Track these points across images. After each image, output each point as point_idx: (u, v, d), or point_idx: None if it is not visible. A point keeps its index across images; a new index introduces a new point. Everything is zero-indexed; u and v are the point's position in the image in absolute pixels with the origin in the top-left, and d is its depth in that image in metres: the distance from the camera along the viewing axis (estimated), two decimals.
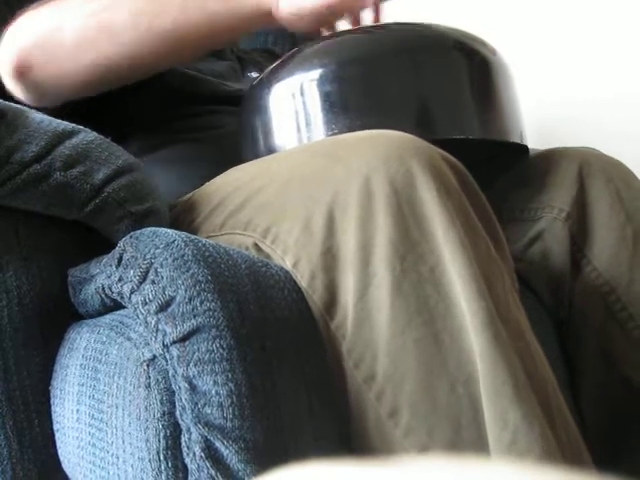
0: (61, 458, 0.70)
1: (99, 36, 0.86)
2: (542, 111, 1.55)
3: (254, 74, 1.19)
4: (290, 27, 0.88)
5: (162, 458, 0.52)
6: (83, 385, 0.64)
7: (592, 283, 0.82)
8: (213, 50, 1.04)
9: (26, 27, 0.88)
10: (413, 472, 0.24)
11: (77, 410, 0.65)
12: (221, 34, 0.90)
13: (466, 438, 0.53)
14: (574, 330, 0.83)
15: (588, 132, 1.54)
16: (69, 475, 0.70)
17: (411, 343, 0.54)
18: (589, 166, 0.84)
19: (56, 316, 0.72)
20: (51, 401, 0.71)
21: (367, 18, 0.92)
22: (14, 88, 0.89)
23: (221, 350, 0.50)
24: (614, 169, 0.85)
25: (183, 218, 0.78)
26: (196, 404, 0.50)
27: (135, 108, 1.02)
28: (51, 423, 0.71)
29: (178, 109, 1.05)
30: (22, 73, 0.87)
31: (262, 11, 0.86)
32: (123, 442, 0.57)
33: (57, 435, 0.70)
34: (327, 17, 0.85)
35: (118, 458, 0.58)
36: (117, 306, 0.65)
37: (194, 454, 0.50)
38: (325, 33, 0.93)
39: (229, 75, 1.15)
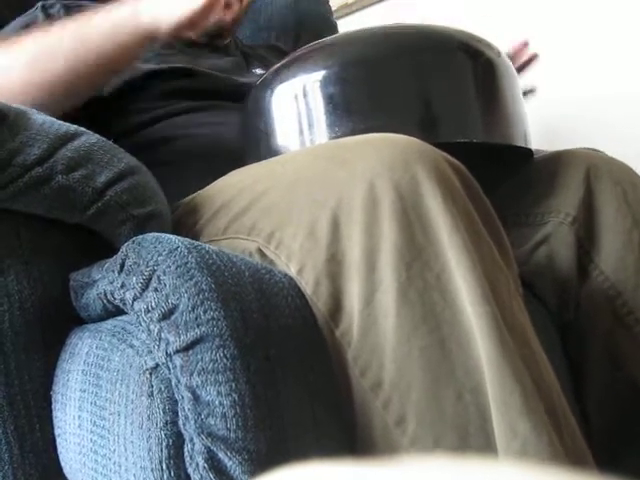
0: (62, 463, 0.70)
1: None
2: (546, 110, 1.55)
3: (259, 70, 1.19)
4: (176, 38, 0.95)
5: (165, 468, 0.52)
6: (85, 391, 0.64)
7: (599, 287, 0.81)
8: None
9: None
10: (413, 472, 0.24)
11: (79, 416, 0.64)
12: (111, 68, 0.95)
13: (473, 447, 0.53)
14: (580, 334, 0.83)
15: (592, 132, 1.54)
16: None
17: (417, 350, 0.53)
18: (596, 169, 0.84)
19: (57, 320, 0.72)
20: (52, 406, 0.70)
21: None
22: None
23: (225, 360, 0.50)
24: (621, 172, 0.84)
25: (185, 220, 0.78)
26: (199, 414, 0.50)
27: (134, 106, 1.02)
28: (52, 428, 0.70)
29: (179, 105, 1.05)
30: None
31: (142, 35, 0.91)
32: (125, 450, 0.56)
33: (58, 440, 0.70)
34: (201, 19, 0.89)
35: (120, 466, 0.57)
36: (119, 311, 0.64)
37: (197, 464, 0.50)
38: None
39: (234, 71, 1.15)
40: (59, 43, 0.91)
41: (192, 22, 0.88)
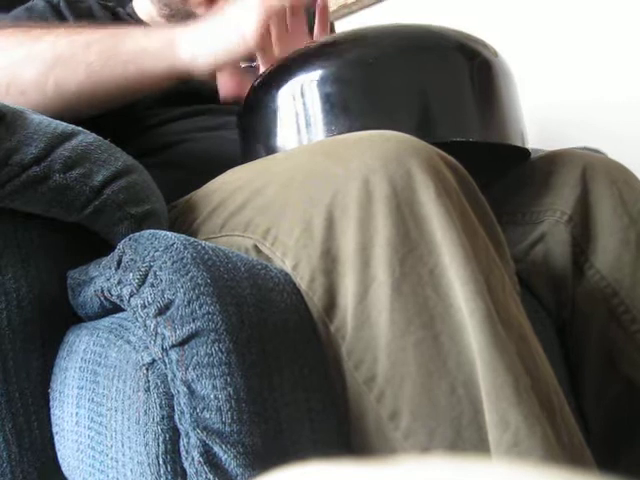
0: (60, 461, 0.70)
1: (7, 90, 0.86)
2: (544, 113, 1.55)
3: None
4: (210, 77, 0.90)
5: (161, 462, 0.52)
6: (82, 388, 0.64)
7: (595, 286, 0.81)
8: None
9: None
10: (413, 472, 0.24)
11: (76, 413, 0.65)
12: (132, 93, 0.90)
13: (467, 440, 0.53)
14: (576, 332, 0.83)
15: (590, 134, 1.54)
16: (68, 478, 0.70)
17: (411, 345, 0.54)
18: (592, 169, 0.84)
19: (55, 318, 0.72)
20: (50, 404, 0.70)
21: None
22: None
23: (220, 354, 0.50)
24: (617, 172, 0.84)
25: (183, 219, 0.78)
26: (195, 408, 0.50)
27: (132, 109, 1.02)
28: (50, 426, 0.71)
29: (176, 109, 1.05)
30: None
31: (176, 72, 0.87)
32: (122, 446, 0.57)
33: (56, 438, 0.70)
34: (243, 55, 0.85)
35: (117, 462, 0.57)
36: (116, 309, 0.65)
37: (193, 458, 0.50)
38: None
39: None
40: (84, 54, 0.86)
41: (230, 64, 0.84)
